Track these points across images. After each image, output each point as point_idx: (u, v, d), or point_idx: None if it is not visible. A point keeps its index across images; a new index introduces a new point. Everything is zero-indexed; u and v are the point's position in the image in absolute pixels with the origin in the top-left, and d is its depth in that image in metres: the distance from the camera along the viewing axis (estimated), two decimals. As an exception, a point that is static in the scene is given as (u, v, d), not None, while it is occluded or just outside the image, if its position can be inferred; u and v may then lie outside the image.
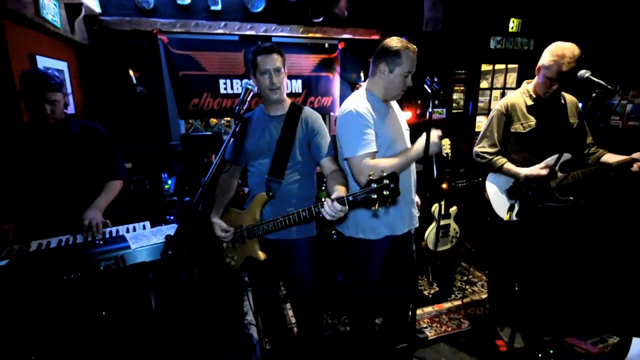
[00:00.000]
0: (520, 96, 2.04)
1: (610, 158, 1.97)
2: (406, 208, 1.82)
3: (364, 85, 1.81)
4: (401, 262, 1.95)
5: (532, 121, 1.98)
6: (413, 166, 1.83)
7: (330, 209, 1.33)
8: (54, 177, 1.82)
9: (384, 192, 1.24)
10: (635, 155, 1.87)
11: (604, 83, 1.60)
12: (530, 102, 2.00)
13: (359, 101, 1.68)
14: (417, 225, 1.92)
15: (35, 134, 1.80)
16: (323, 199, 1.36)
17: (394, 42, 1.64)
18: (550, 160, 1.94)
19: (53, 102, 1.74)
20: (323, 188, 2.97)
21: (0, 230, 1.66)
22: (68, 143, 1.85)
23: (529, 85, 2.05)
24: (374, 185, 1.26)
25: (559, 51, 1.82)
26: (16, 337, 1.41)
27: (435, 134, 1.64)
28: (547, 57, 1.87)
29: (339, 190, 1.45)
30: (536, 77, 1.98)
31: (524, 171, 1.95)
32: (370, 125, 1.63)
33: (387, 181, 1.25)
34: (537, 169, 1.91)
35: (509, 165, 2.01)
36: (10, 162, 1.78)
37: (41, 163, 1.80)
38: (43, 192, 1.82)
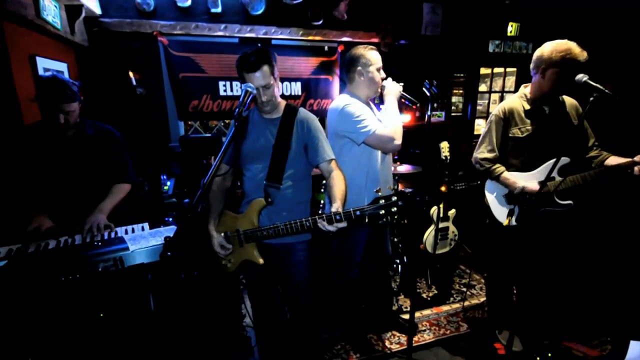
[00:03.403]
0: (518, 100, 2.02)
1: (613, 161, 1.92)
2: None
3: (345, 91, 2.04)
4: (376, 249, 2.27)
5: (530, 126, 1.97)
6: (389, 158, 2.13)
7: (332, 226, 1.36)
8: (67, 179, 1.82)
9: (392, 209, 1.26)
10: (636, 158, 1.81)
11: (601, 87, 1.60)
12: (527, 107, 1.98)
13: (346, 98, 1.92)
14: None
15: (48, 137, 1.80)
16: (326, 214, 1.39)
17: (360, 49, 1.94)
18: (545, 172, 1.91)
19: (67, 112, 1.73)
20: (322, 190, 2.96)
21: (41, 226, 1.67)
22: (82, 146, 1.85)
23: (526, 90, 2.02)
24: (382, 202, 1.27)
25: (562, 46, 1.80)
26: (14, 338, 1.40)
27: (394, 85, 1.95)
28: (552, 55, 1.81)
29: (338, 203, 1.45)
30: (536, 80, 1.94)
31: (520, 184, 1.94)
32: (365, 109, 1.90)
33: (396, 198, 1.26)
34: (536, 186, 1.89)
35: (505, 177, 2.00)
36: (19, 163, 1.78)
37: (55, 165, 1.80)
38: (55, 194, 1.82)
